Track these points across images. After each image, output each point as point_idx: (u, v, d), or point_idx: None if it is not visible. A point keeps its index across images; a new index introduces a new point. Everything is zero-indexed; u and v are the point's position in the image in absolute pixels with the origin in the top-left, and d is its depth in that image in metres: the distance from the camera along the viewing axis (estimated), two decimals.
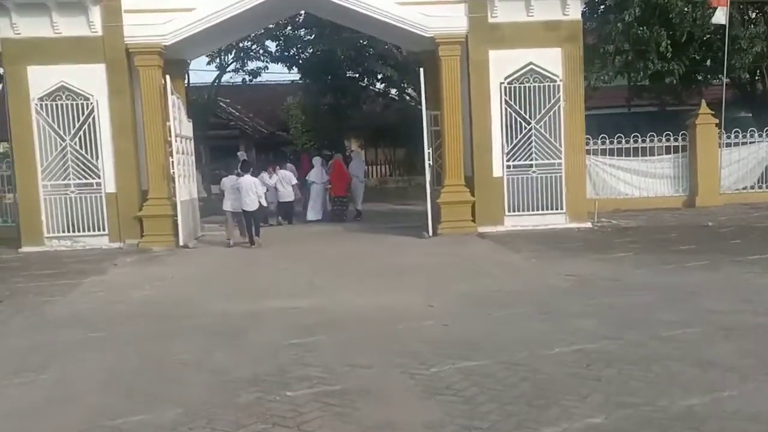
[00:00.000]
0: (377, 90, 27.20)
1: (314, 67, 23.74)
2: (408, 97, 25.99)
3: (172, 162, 12.82)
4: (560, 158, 13.36)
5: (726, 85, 21.92)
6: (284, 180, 16.48)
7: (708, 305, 6.95)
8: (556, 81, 13.28)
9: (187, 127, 14.08)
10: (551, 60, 13.28)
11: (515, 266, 9.73)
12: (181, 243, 12.72)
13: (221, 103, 33.09)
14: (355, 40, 20.25)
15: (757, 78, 19.91)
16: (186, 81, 16.38)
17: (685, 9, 17.36)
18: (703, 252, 10.08)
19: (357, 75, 23.08)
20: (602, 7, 20.53)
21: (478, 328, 6.47)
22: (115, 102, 12.88)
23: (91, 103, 12.90)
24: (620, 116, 25.34)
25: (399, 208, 19.85)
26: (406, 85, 23.84)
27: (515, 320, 6.70)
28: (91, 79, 12.80)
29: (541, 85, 13.29)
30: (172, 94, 12.92)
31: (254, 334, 6.57)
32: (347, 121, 28.39)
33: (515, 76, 13.26)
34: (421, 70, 13.24)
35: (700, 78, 21.27)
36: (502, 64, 13.20)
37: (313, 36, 21.09)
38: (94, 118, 12.92)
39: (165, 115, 12.89)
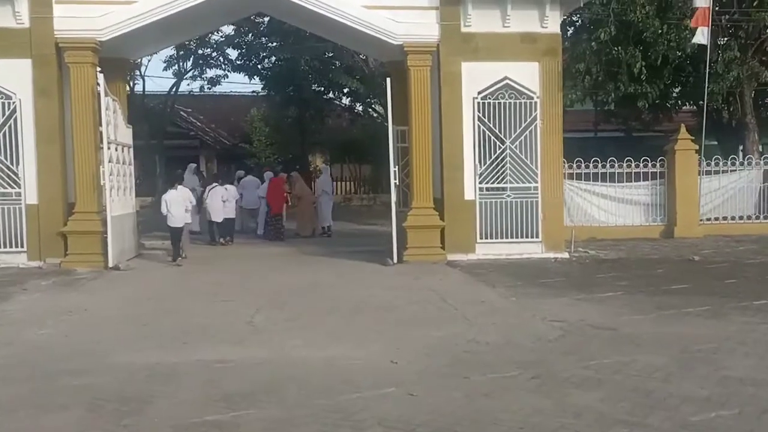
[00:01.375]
0: (342, 105, 25.68)
1: (277, 77, 22.06)
2: (375, 113, 24.51)
3: (103, 172, 10.94)
4: (536, 182, 11.91)
5: (692, 111, 21.07)
6: (230, 196, 14.77)
7: (734, 371, 5.45)
8: (533, 98, 11.86)
9: (126, 134, 12.24)
10: (528, 75, 11.87)
11: (492, 306, 8.15)
12: (110, 264, 10.84)
13: (182, 113, 31.15)
14: (320, 50, 18.66)
15: (723, 105, 18.93)
16: (128, 83, 14.35)
17: (661, 30, 16.26)
18: (700, 294, 8.67)
19: (322, 88, 21.38)
20: (572, 28, 19.42)
21: (454, 402, 4.84)
22: (40, 102, 11.01)
23: (14, 103, 11.01)
24: (585, 140, 24.23)
25: (363, 228, 18.21)
26: (372, 100, 22.29)
27: (500, 389, 5.09)
28: (14, 76, 10.95)
29: (517, 101, 11.86)
30: (107, 95, 11.09)
31: (158, 403, 4.82)
32: (312, 135, 26.77)
33: (490, 90, 11.80)
34: (388, 80, 11.66)
35: (669, 103, 20.29)
36: (476, 77, 11.74)
37: (275, 44, 19.34)
38: (16, 119, 11.02)
39: (98, 118, 11.02)
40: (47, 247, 11.02)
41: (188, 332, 6.90)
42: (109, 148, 11.12)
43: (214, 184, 14.71)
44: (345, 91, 22.20)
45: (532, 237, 11.93)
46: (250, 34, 21.19)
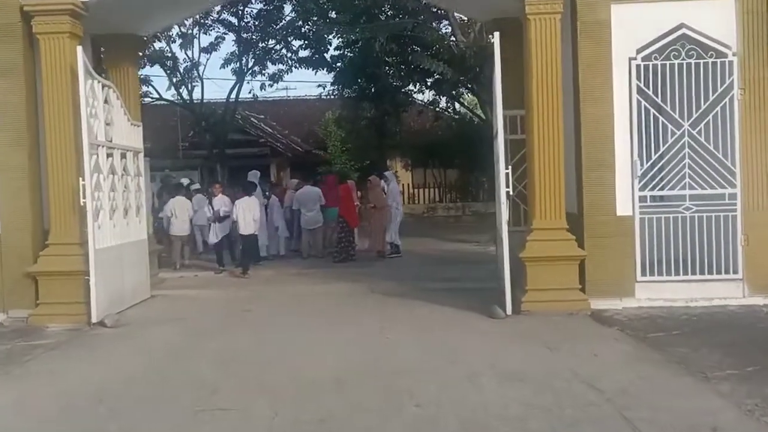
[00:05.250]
0: (422, 102, 21.60)
1: (347, 67, 18.19)
2: (463, 108, 20.34)
3: (83, 185, 7.39)
4: (734, 186, 7.40)
5: None
6: (246, 208, 11.14)
7: None
8: (726, 55, 7.39)
9: (131, 134, 8.72)
10: (718, 20, 7.42)
11: None
12: (93, 319, 7.28)
13: (252, 119, 28.17)
14: (398, 28, 14.65)
15: None
16: (141, 65, 10.77)
17: None
18: None
19: (400, 81, 17.29)
20: None
21: None
22: (2, 91, 7.62)
23: None
24: None
25: (452, 248, 14.09)
26: (460, 90, 18.02)
27: None
28: None
29: (701, 62, 7.41)
30: (91, 78, 7.58)
31: None
32: (390, 137, 22.90)
33: (656, 46, 7.45)
34: (496, 35, 7.49)
35: None
36: (634, 27, 7.44)
37: (344, 25, 15.47)
38: None
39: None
40: (13, 293, 7.64)
41: None
42: (95, 153, 7.59)
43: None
44: (428, 82, 18.04)
45: (726, 272, 7.42)
46: (315, 16, 17.50)
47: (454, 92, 18.87)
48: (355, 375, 5.38)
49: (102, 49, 9.38)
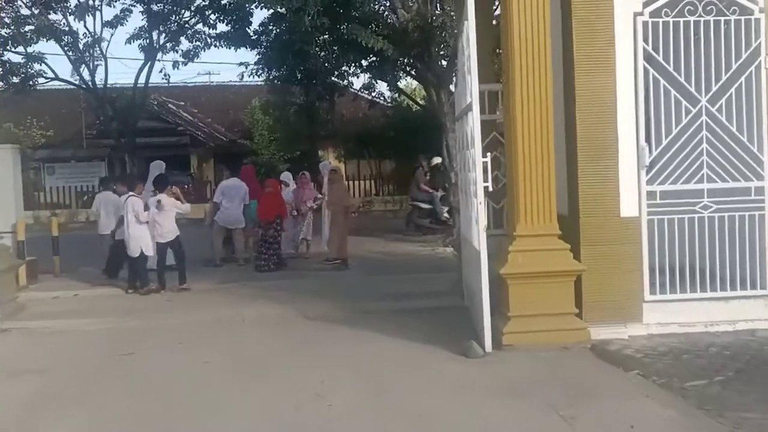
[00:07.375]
0: (356, 90, 19.55)
1: (273, 44, 15.81)
2: (401, 93, 18.35)
3: None
4: (761, 178, 5.74)
5: None
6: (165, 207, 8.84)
7: None
8: (752, 12, 5.70)
9: None
10: None
11: None
12: None
13: (171, 105, 25.29)
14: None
15: None
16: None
17: None
18: None
19: (333, 56, 15.04)
20: None
21: None
22: None
23: None
24: None
25: (395, 249, 12.14)
26: (398, 73, 16.01)
27: None
28: None
29: (722, 19, 5.67)
30: None
31: None
32: (322, 125, 20.71)
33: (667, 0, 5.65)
34: None
35: None
36: None
37: (263, 0, 13.01)
38: None
39: None
40: None
41: None
42: None
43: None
44: (363, 64, 15.88)
45: (751, 287, 5.77)
46: None
47: (391, 75, 16.78)
48: None
49: None
